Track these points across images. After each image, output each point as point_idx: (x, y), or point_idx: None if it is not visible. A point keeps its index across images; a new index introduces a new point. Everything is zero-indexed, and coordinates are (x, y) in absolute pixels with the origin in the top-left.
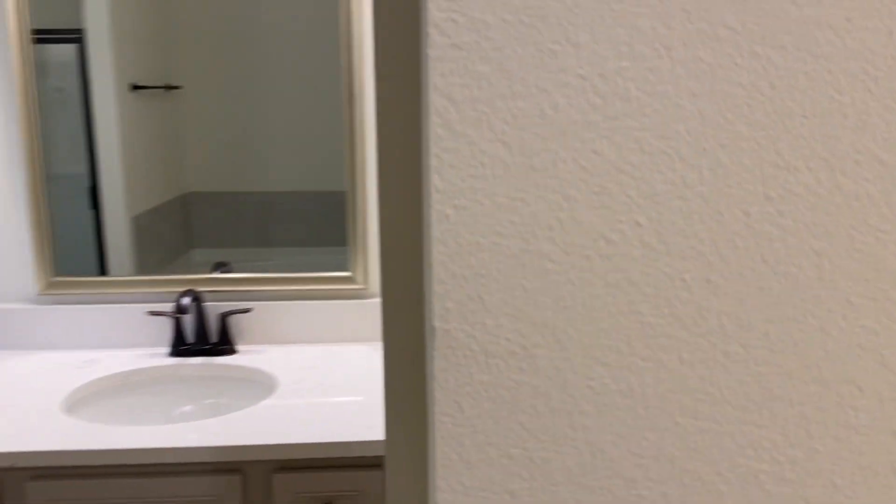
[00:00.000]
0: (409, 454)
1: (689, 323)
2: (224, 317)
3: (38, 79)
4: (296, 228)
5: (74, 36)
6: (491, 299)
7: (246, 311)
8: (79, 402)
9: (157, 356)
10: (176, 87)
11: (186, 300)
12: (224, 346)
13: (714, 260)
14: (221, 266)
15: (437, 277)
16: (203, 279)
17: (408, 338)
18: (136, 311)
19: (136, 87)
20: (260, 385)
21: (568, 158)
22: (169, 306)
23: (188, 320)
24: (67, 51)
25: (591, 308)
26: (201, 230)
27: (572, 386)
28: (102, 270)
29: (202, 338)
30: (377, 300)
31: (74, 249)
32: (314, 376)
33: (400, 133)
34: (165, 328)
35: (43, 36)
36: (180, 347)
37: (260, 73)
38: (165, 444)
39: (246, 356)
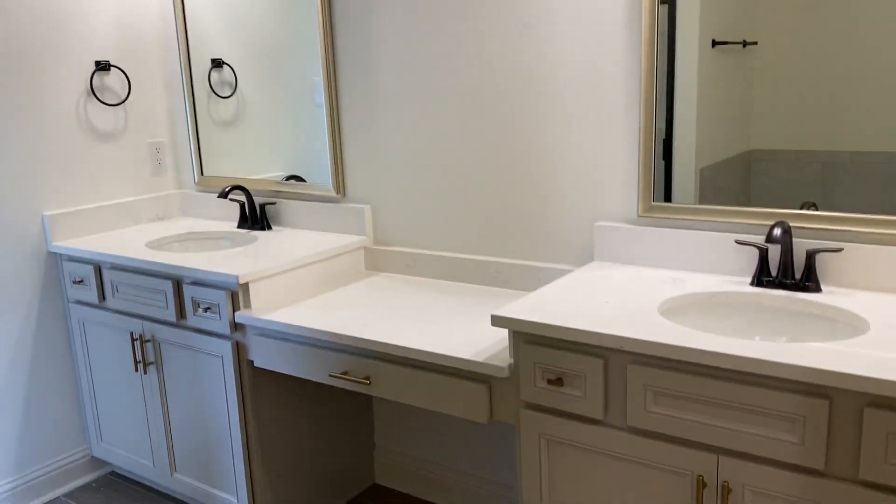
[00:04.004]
0: None
1: None
2: (811, 255)
3: None
4: (869, 194)
5: None
6: None
7: (837, 250)
8: (668, 311)
9: (740, 284)
10: (752, 43)
11: (778, 231)
12: (809, 283)
13: None
14: (809, 205)
15: None
16: (792, 214)
17: None
18: (723, 239)
19: (716, 43)
20: (846, 326)
21: None
22: (755, 238)
23: (773, 254)
24: (662, 10)
25: None
26: (760, 188)
27: None
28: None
29: (786, 273)
30: None
31: None
32: None
33: None
34: (749, 260)
35: None
36: (763, 279)
37: (841, 28)
38: (755, 355)
39: (832, 296)
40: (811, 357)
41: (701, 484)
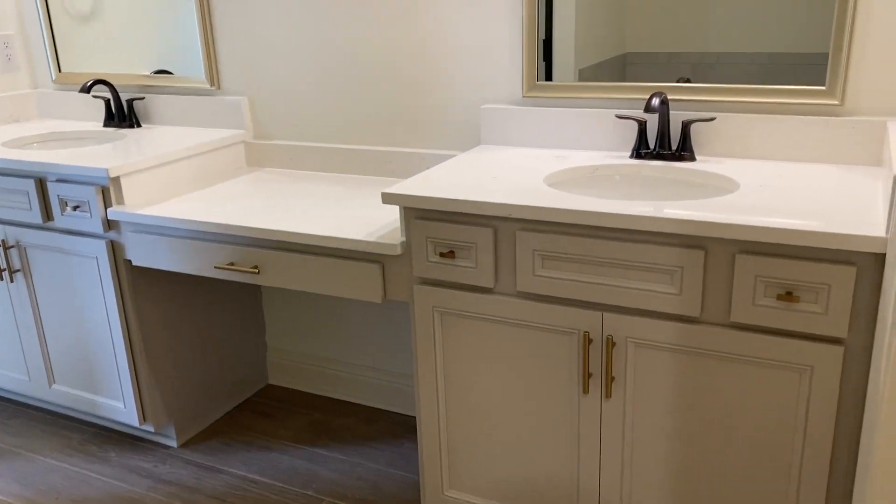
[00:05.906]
0: None
1: None
2: (686, 125)
3: None
4: None
5: None
6: None
7: (709, 119)
8: (554, 184)
9: (621, 158)
10: None
11: (656, 101)
12: (684, 153)
13: None
14: (684, 80)
15: None
16: (669, 87)
17: None
18: (604, 115)
19: None
20: (719, 189)
21: None
22: (635, 112)
23: (652, 127)
24: None
25: None
26: None
27: None
28: None
29: (664, 144)
30: (854, 119)
31: None
32: (778, 184)
33: None
34: (629, 136)
35: None
36: (642, 151)
37: None
38: (636, 212)
39: (705, 164)
40: (687, 212)
41: (587, 340)
